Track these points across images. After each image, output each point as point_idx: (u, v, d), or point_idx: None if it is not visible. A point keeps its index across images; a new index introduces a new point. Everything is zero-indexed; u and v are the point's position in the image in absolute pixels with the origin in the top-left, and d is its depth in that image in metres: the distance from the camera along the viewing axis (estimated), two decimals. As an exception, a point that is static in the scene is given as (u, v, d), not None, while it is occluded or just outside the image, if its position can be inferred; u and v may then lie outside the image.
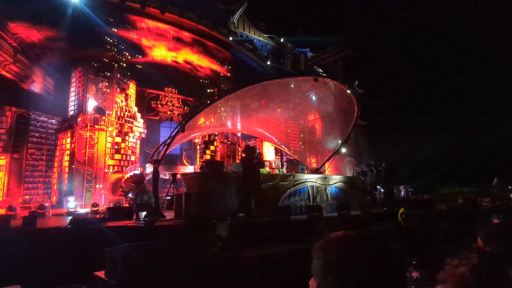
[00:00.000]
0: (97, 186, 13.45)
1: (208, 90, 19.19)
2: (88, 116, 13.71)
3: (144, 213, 7.59)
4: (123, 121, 15.17)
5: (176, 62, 17.85)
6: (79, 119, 13.52)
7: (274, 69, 18.91)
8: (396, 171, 11.57)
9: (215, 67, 18.54)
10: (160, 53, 17.00)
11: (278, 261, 4.42)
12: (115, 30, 14.66)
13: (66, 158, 13.63)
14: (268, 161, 11.54)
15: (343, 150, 13.15)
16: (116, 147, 14.23)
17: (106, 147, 14.00)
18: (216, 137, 18.55)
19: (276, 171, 9.68)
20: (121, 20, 14.30)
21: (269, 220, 7.10)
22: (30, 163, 13.39)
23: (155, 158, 8.73)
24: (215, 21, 16.54)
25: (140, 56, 16.71)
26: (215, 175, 7.50)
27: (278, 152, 18.87)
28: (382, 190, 11.76)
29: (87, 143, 13.41)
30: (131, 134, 15.55)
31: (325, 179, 9.79)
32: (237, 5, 17.75)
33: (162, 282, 3.29)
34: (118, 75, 15.49)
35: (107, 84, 14.62)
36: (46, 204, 9.49)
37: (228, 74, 18.98)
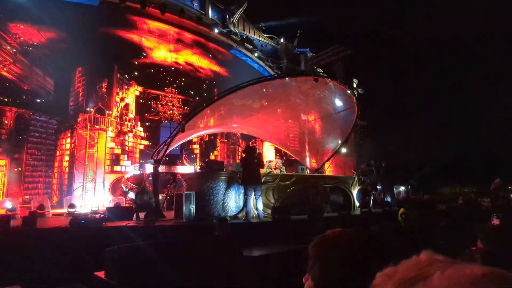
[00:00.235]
0: (97, 186, 13.44)
1: (208, 90, 19.21)
2: (88, 116, 13.71)
3: (144, 213, 7.59)
4: (123, 121, 15.18)
5: (176, 63, 17.85)
6: (79, 119, 13.52)
7: (274, 69, 18.93)
8: (394, 170, 11.58)
9: (215, 67, 18.55)
10: (161, 54, 17.00)
11: (278, 261, 4.42)
12: (115, 30, 14.66)
13: (66, 158, 13.63)
14: (271, 160, 11.53)
15: (343, 150, 13.14)
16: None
17: (106, 147, 14.00)
18: (216, 137, 18.55)
19: (278, 171, 9.68)
20: (121, 21, 14.30)
21: (269, 220, 7.11)
22: (30, 163, 13.38)
23: (155, 158, 8.73)
24: (215, 21, 16.57)
25: (140, 57, 16.72)
26: (215, 175, 7.51)
27: (278, 152, 18.88)
28: (381, 189, 11.76)
29: (87, 143, 13.41)
30: (130, 134, 15.56)
31: (325, 179, 9.79)
32: (237, 5, 17.76)
33: (162, 282, 3.29)
34: (118, 75, 15.49)
35: (107, 84, 14.61)
36: (46, 204, 9.50)
37: (228, 75, 18.98)
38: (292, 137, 14.13)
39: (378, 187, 11.97)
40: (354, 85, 20.56)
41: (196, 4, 16.19)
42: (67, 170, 13.36)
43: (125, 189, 13.14)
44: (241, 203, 7.57)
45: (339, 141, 12.20)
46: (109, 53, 14.66)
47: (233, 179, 7.59)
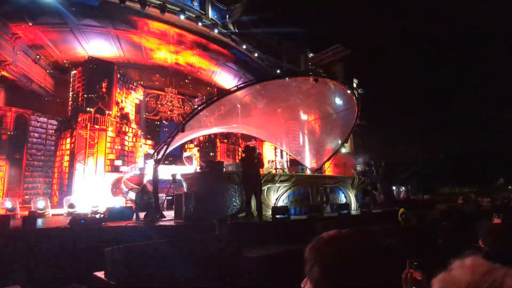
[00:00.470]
0: (97, 186, 13.43)
1: (209, 90, 19.21)
2: (88, 116, 13.71)
3: (144, 213, 7.59)
4: (123, 121, 15.17)
5: (177, 63, 17.85)
6: (79, 119, 13.51)
7: (274, 69, 18.92)
8: (392, 170, 11.59)
9: (215, 68, 18.55)
10: (161, 54, 17.00)
11: (278, 261, 4.42)
12: (116, 30, 14.66)
13: (66, 158, 13.63)
14: (273, 160, 11.55)
15: (343, 150, 13.14)
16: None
17: (106, 147, 14.00)
18: (216, 137, 18.55)
19: (281, 172, 9.68)
20: (121, 21, 14.31)
21: (269, 220, 7.11)
22: (30, 163, 13.38)
23: (155, 158, 8.73)
24: (215, 21, 16.56)
25: (140, 57, 16.72)
26: (215, 175, 7.50)
27: (277, 152, 18.88)
28: (381, 189, 11.78)
29: (87, 143, 13.40)
30: (130, 134, 15.56)
31: (325, 179, 9.78)
32: (237, 5, 17.76)
33: (162, 282, 3.29)
34: (118, 75, 15.49)
35: (107, 84, 14.61)
36: (46, 204, 9.50)
37: (228, 75, 18.98)
38: (292, 137, 14.11)
39: (378, 187, 11.98)
40: (354, 85, 20.57)
41: (196, 4, 16.18)
42: (67, 170, 13.36)
43: (125, 189, 13.14)
44: (241, 203, 7.56)
45: (339, 141, 12.19)
46: (109, 53, 14.67)
47: (233, 179, 7.59)
